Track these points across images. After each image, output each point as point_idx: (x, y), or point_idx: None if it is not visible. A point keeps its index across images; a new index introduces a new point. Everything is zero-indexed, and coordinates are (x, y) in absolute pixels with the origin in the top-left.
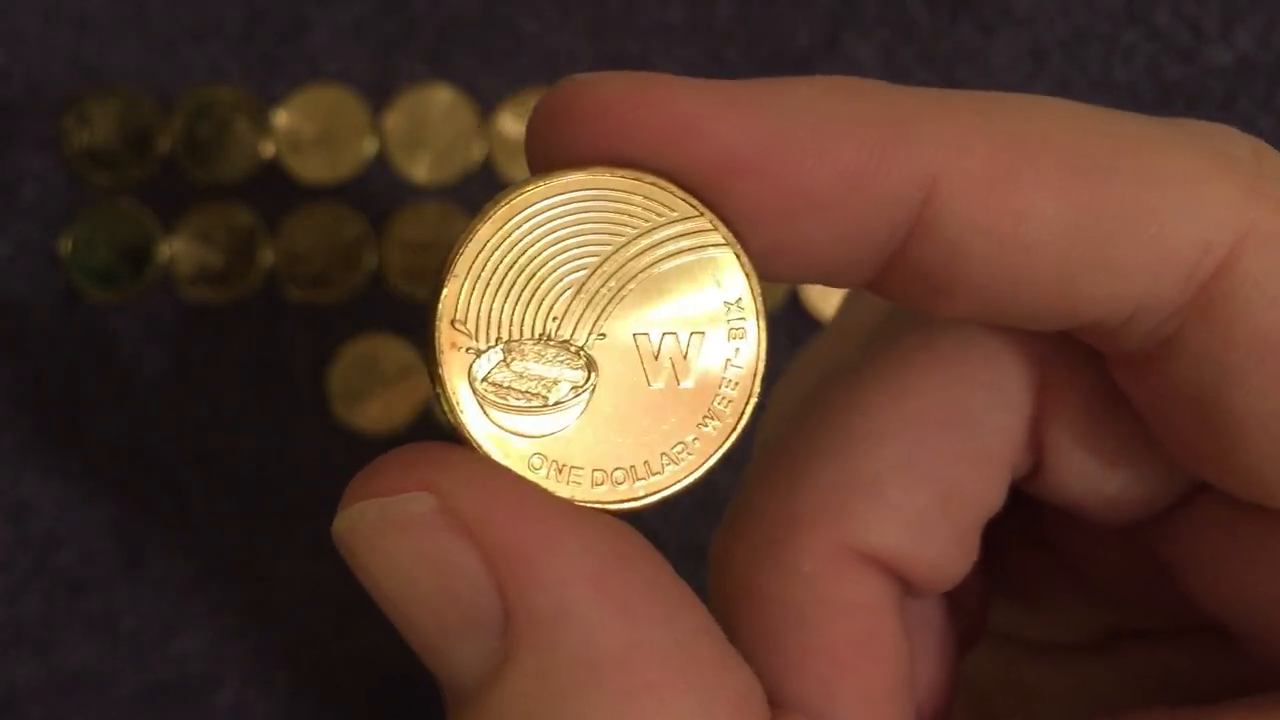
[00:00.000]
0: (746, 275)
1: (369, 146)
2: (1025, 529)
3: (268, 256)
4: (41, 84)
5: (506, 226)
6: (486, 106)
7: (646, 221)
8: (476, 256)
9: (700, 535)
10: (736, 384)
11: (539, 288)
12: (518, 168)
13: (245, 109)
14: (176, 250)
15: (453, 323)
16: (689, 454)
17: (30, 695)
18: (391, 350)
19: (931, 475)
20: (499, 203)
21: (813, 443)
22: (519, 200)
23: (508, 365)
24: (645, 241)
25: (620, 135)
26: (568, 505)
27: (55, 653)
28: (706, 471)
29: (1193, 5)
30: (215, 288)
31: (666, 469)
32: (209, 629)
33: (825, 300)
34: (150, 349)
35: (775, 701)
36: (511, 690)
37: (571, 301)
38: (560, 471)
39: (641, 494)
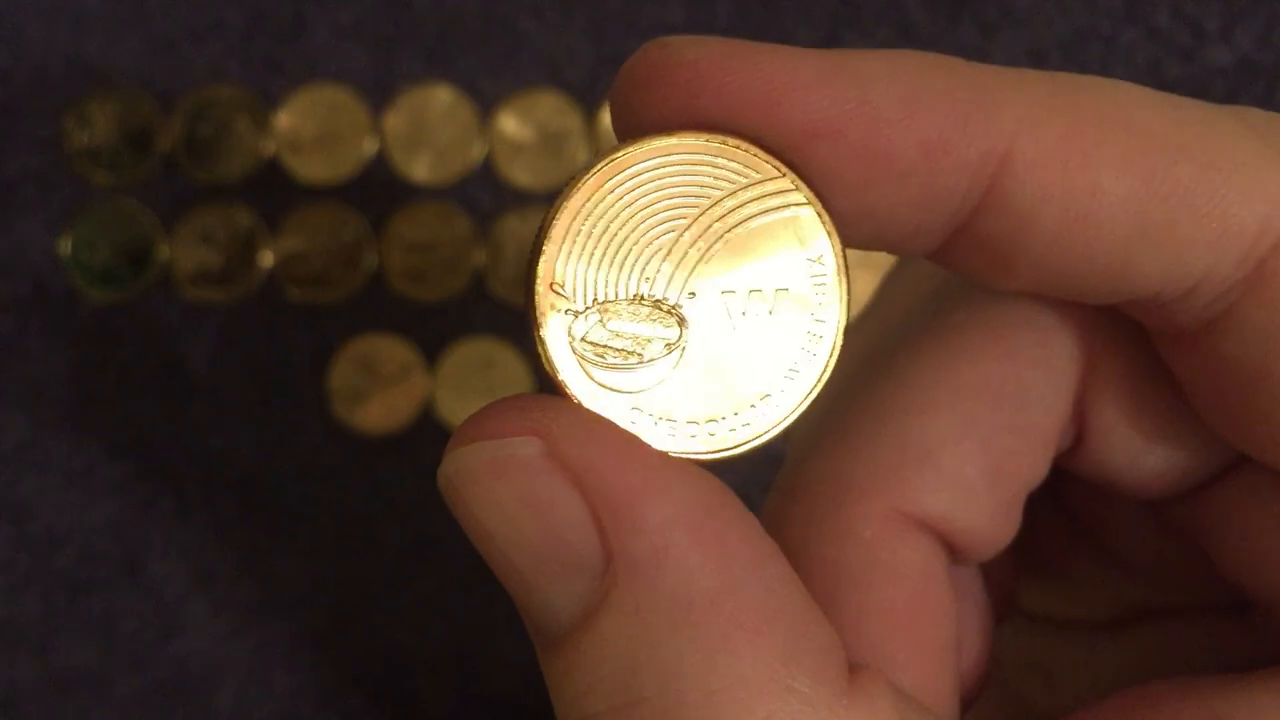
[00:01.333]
0: (828, 233)
1: (369, 146)
2: (1052, 506)
3: (268, 256)
4: (42, 84)
5: (599, 192)
6: (486, 106)
7: (731, 184)
8: (571, 222)
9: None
10: (820, 337)
11: (631, 250)
12: (518, 167)
13: (245, 109)
14: (177, 250)
15: (551, 285)
16: (776, 405)
17: (30, 695)
18: (391, 350)
19: (983, 446)
20: (591, 169)
21: (868, 412)
22: (610, 166)
23: (604, 325)
24: (731, 202)
25: (711, 99)
26: (665, 456)
27: (55, 653)
28: (794, 421)
29: (1193, 5)
30: (215, 287)
31: (755, 419)
32: (209, 629)
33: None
34: (150, 349)
35: None
36: (609, 628)
37: (663, 262)
38: (656, 424)
39: (733, 443)
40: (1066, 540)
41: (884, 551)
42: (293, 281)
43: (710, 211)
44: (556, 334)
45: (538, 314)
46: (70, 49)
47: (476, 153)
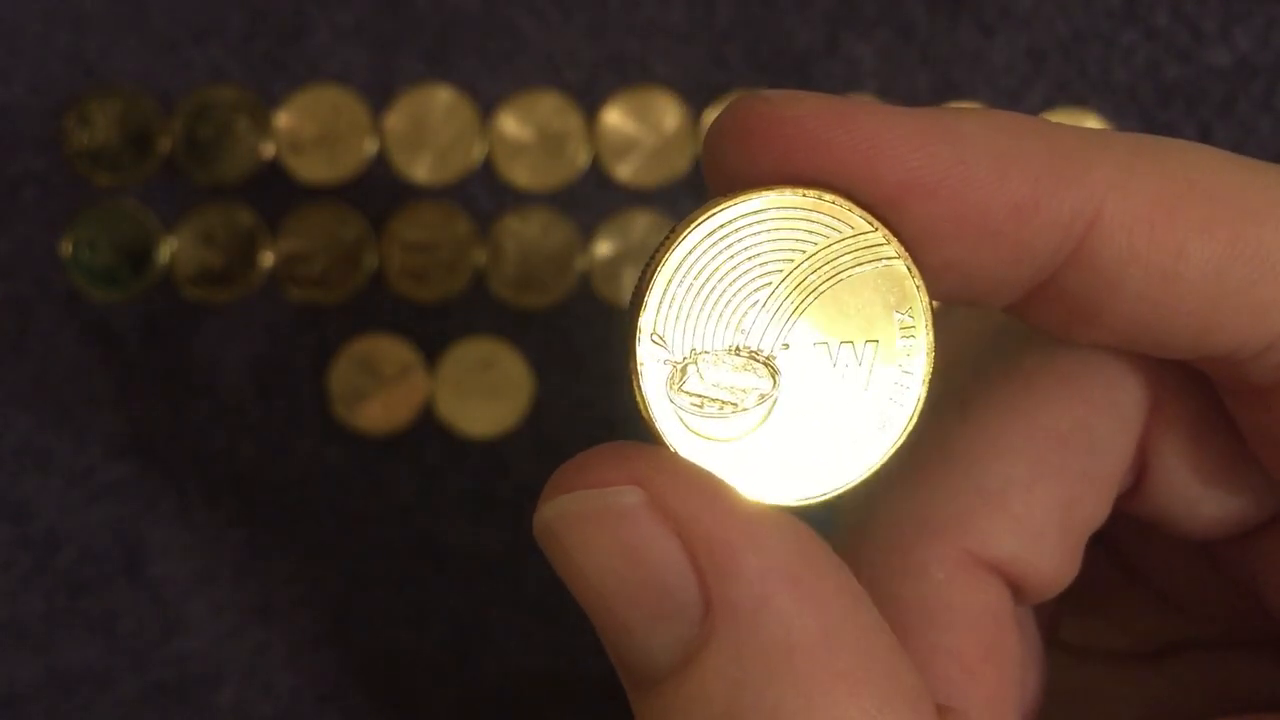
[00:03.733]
0: (918, 287)
1: (369, 147)
2: (1097, 537)
3: (268, 257)
4: (42, 84)
5: (700, 245)
6: (487, 107)
7: (826, 238)
8: (673, 274)
9: None
10: (907, 388)
11: (728, 302)
12: (518, 168)
13: (246, 109)
14: (177, 250)
15: (652, 336)
16: (862, 454)
17: (31, 695)
18: (391, 350)
19: (1052, 490)
20: (691, 223)
21: (941, 454)
22: (709, 221)
23: (701, 376)
24: (825, 255)
25: (808, 155)
26: (759, 504)
27: (56, 653)
28: (882, 468)
29: (1192, 6)
30: (216, 288)
31: (842, 469)
32: (209, 629)
33: None
34: (151, 349)
35: None
36: (708, 673)
37: (758, 314)
38: (750, 473)
39: (820, 492)
40: (1110, 573)
41: (956, 592)
42: (293, 282)
43: (804, 265)
44: (655, 384)
45: (638, 364)
46: (70, 50)
47: (476, 153)
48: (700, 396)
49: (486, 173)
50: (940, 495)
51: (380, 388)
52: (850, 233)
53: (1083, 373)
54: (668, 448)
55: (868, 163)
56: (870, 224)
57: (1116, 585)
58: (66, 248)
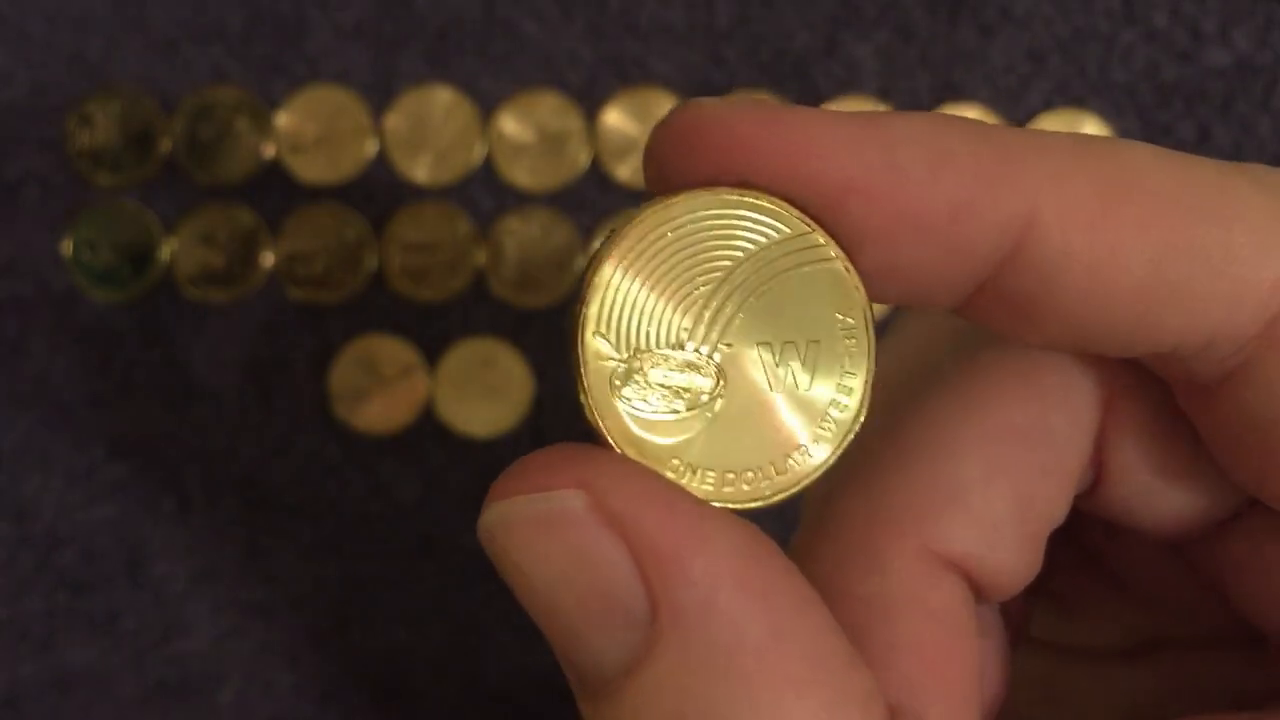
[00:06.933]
0: (856, 288)
1: (369, 147)
2: (1067, 536)
3: (269, 257)
4: (43, 85)
5: (640, 244)
6: (487, 107)
7: (765, 239)
8: (613, 273)
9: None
10: (850, 389)
11: (670, 300)
12: (518, 169)
13: (246, 110)
14: (178, 251)
15: (595, 334)
16: (808, 455)
17: (31, 695)
18: (391, 350)
19: (1010, 486)
20: (632, 222)
21: (898, 451)
22: (649, 219)
23: (644, 376)
24: (765, 257)
25: (744, 158)
26: (707, 505)
27: (56, 653)
28: (826, 471)
29: (1191, 6)
30: (217, 288)
31: (789, 469)
32: (210, 629)
33: None
34: (151, 349)
35: None
36: (657, 677)
37: (700, 314)
38: (694, 474)
39: (767, 493)
40: (1080, 571)
41: (915, 589)
42: (294, 282)
43: (745, 265)
44: (599, 384)
45: (581, 364)
46: (72, 50)
47: (477, 154)
48: (645, 397)
49: (486, 173)
50: (897, 491)
51: (380, 388)
52: (789, 234)
53: (1038, 369)
54: (613, 449)
55: (801, 165)
56: (808, 226)
57: (1090, 584)
58: (67, 248)
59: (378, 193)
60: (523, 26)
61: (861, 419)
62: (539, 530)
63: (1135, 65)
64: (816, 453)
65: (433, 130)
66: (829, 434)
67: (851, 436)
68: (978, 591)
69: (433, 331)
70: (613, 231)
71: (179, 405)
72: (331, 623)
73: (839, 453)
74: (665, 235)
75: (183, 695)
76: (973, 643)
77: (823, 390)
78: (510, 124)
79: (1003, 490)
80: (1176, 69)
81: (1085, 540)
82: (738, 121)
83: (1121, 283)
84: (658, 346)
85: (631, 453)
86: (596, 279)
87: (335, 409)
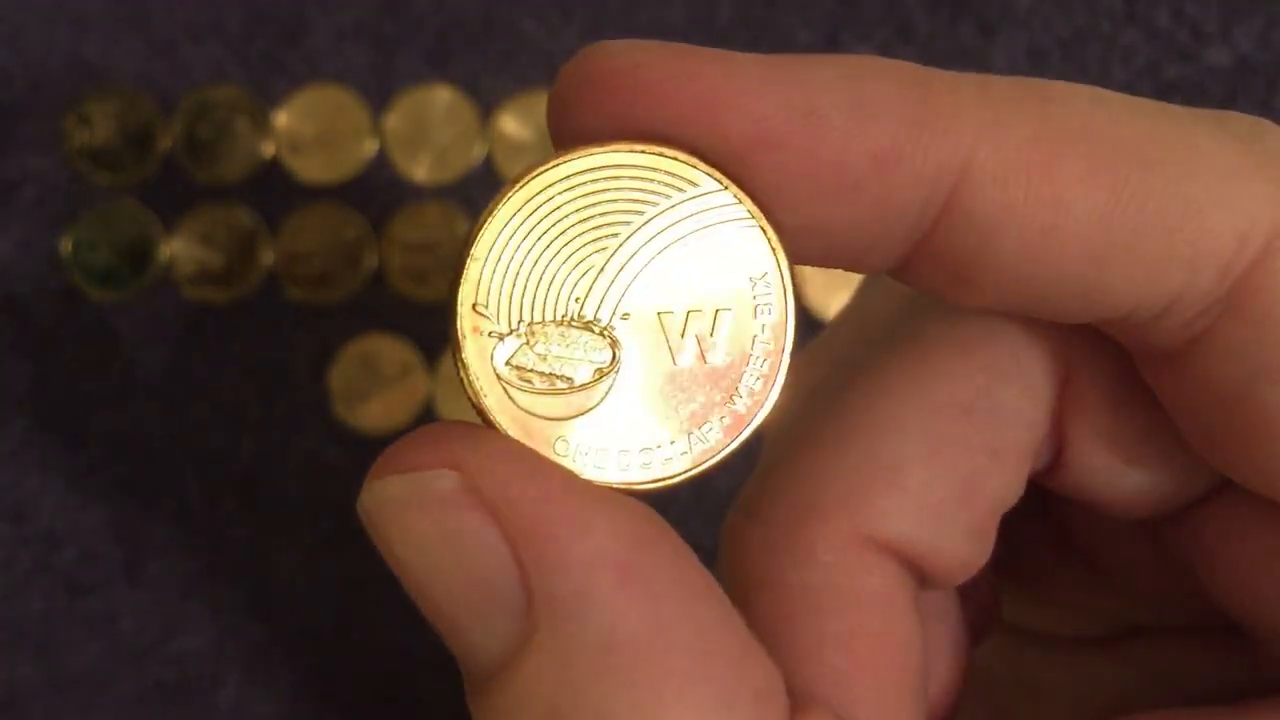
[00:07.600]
0: (773, 250)
1: (369, 147)
2: (1039, 520)
3: (268, 256)
4: (43, 84)
5: (526, 207)
6: (487, 107)
7: (669, 197)
8: (496, 238)
9: (695, 533)
10: (765, 360)
11: (560, 268)
12: (518, 168)
13: (245, 109)
14: (177, 250)
15: (474, 307)
16: (717, 432)
17: (31, 695)
18: (391, 350)
19: (952, 466)
20: (518, 183)
21: (833, 430)
22: (537, 180)
23: (530, 348)
24: (669, 217)
25: (648, 107)
26: (592, 487)
27: (56, 653)
28: (735, 449)
29: (1192, 6)
30: (216, 288)
31: (695, 448)
32: (209, 629)
33: (826, 299)
34: (151, 349)
35: (789, 689)
36: (531, 673)
37: (594, 281)
38: (586, 453)
39: (669, 474)
40: (1053, 555)
41: (844, 577)
42: (293, 281)
43: (646, 227)
44: (478, 358)
45: (459, 337)
46: (71, 49)
47: (476, 153)
48: (529, 371)
49: (486, 173)
50: (830, 473)
51: (380, 388)
52: (697, 192)
53: (987, 341)
54: (494, 427)
55: (711, 115)
56: (719, 182)
57: (1063, 569)
58: (66, 247)
59: (377, 193)
60: (522, 26)
61: (775, 394)
62: (409, 512)
63: (1136, 65)
64: (724, 432)
65: (433, 130)
66: (740, 409)
67: (764, 414)
68: (921, 578)
69: (433, 331)
70: (498, 194)
71: (178, 405)
72: (331, 623)
73: (751, 429)
74: (556, 196)
75: (182, 695)
76: (912, 632)
77: (734, 361)
78: (510, 124)
79: (944, 470)
80: (1177, 68)
81: (1057, 523)
82: (641, 67)
83: (1067, 241)
84: (546, 316)
85: (516, 432)
86: (478, 246)
87: (335, 409)
